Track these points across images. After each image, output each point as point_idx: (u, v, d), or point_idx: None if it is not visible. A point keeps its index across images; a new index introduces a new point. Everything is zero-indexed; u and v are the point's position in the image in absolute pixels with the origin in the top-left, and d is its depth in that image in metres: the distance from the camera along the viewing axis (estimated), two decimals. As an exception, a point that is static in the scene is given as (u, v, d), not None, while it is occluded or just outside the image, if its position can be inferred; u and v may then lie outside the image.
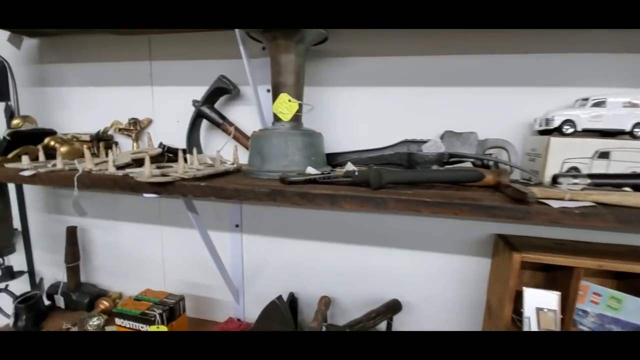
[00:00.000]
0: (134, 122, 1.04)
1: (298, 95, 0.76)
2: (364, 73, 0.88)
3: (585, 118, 0.68)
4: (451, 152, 0.72)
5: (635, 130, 0.66)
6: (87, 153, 0.75)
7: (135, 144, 1.04)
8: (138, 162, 0.81)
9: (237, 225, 1.02)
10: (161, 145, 0.94)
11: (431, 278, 0.93)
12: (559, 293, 0.74)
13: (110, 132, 1.07)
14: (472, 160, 0.73)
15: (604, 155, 0.66)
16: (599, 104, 0.68)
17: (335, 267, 0.99)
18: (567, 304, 0.72)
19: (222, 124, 0.92)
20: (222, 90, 0.90)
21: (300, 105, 0.76)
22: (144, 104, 1.05)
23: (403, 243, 0.92)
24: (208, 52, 0.96)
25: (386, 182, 0.59)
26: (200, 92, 0.94)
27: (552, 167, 0.69)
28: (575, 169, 0.68)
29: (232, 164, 0.80)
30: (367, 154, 0.85)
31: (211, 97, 0.91)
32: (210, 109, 0.92)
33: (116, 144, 1.07)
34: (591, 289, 0.74)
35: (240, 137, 0.92)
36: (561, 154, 0.68)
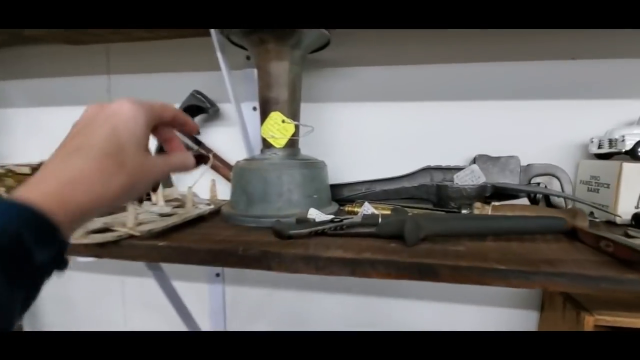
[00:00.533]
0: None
1: (293, 114, 0.59)
2: (372, 85, 0.72)
3: (663, 138, 0.53)
4: (496, 184, 0.56)
5: None
6: None
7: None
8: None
9: (217, 275, 0.82)
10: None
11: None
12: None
13: None
14: (523, 193, 0.57)
15: (690, 184, 0.52)
16: (676, 120, 0.53)
17: (352, 322, 0.80)
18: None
19: (197, 150, 0.73)
20: (196, 109, 0.72)
21: (297, 127, 0.58)
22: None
23: (427, 294, 0.75)
24: (178, 64, 0.79)
25: (426, 235, 0.42)
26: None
27: (626, 201, 0.53)
28: (654, 202, 0.53)
29: (208, 203, 0.61)
30: (380, 185, 0.68)
31: (182, 118, 0.72)
32: (182, 132, 0.73)
33: None
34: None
35: (220, 166, 0.73)
36: (636, 183, 0.53)
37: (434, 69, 0.69)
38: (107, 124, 0.27)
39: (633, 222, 0.50)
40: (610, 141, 0.57)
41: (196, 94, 0.70)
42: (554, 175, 0.61)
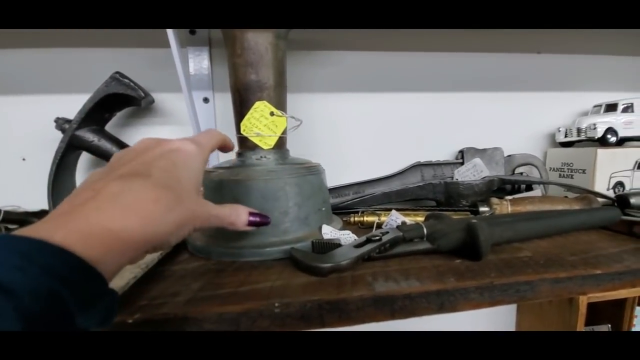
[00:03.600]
0: None
1: (280, 103, 0.45)
2: (355, 74, 0.62)
3: (621, 125, 0.59)
4: (504, 178, 0.54)
5: (663, 135, 0.61)
6: None
7: None
8: None
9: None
10: (-13, 211, 0.47)
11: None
12: (608, 325, 0.64)
13: None
14: (528, 184, 0.56)
15: (643, 165, 0.59)
16: (626, 109, 0.60)
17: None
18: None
19: (125, 159, 0.51)
20: (120, 100, 0.50)
21: (287, 121, 0.45)
22: None
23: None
24: (76, 36, 0.54)
25: (494, 244, 0.35)
26: (71, 104, 0.52)
27: (601, 184, 0.58)
28: (621, 183, 0.59)
29: (168, 235, 0.43)
30: (371, 187, 0.60)
31: (98, 113, 0.49)
32: (96, 133, 0.50)
33: None
34: (629, 313, 0.66)
35: (164, 179, 0.53)
36: (608, 168, 0.57)
37: (414, 57, 0.64)
38: (167, 158, 0.24)
39: (616, 204, 0.54)
40: (579, 130, 0.61)
41: (121, 77, 0.48)
42: (532, 164, 0.63)
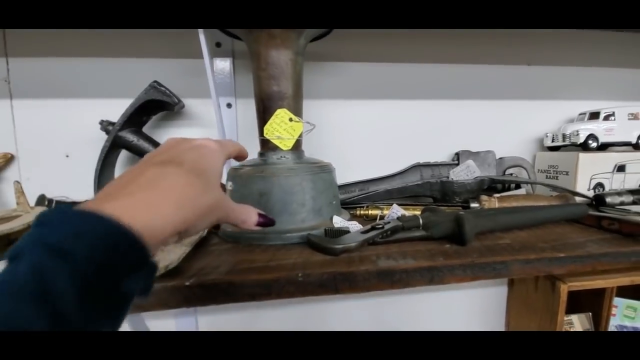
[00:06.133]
0: (-27, 161, 0.59)
1: (297, 110, 0.52)
2: (359, 83, 0.69)
3: (602, 132, 0.66)
4: (493, 177, 0.60)
5: (640, 141, 0.67)
6: None
7: (-22, 201, 0.59)
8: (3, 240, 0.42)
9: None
10: (44, 200, 0.54)
11: (445, 316, 0.80)
12: (589, 314, 0.70)
13: None
14: (517, 183, 0.63)
15: (621, 168, 0.65)
16: (608, 117, 0.67)
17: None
18: (600, 323, 0.69)
19: (160, 157, 0.59)
20: (157, 105, 0.57)
21: (302, 126, 0.52)
22: (-6, 130, 0.61)
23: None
24: (116, 47, 0.62)
25: (478, 233, 0.42)
26: (109, 108, 0.59)
27: (582, 185, 0.64)
28: (601, 185, 0.65)
29: (201, 222, 0.50)
30: (374, 185, 0.67)
31: (137, 116, 0.57)
32: (136, 134, 0.57)
33: None
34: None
35: (193, 175, 0.60)
36: (589, 170, 0.64)
37: (416, 68, 0.71)
38: (195, 151, 0.26)
39: (594, 202, 0.60)
40: (564, 135, 0.67)
41: (158, 85, 0.55)
42: (521, 166, 0.69)
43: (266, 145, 0.51)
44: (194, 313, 0.69)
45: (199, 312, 0.70)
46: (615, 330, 0.72)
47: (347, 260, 0.37)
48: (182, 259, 0.36)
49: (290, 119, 0.50)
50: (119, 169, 0.62)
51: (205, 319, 0.71)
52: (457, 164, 0.67)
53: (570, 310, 0.68)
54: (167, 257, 0.35)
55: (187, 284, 0.32)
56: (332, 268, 0.35)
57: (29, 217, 0.48)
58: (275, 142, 0.50)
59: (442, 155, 0.73)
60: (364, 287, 0.35)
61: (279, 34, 0.47)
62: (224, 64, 0.63)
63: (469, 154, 0.68)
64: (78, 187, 0.62)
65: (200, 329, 0.70)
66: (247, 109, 0.66)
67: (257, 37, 0.48)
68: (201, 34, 0.49)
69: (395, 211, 0.49)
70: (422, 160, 0.69)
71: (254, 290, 0.33)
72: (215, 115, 0.58)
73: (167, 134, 0.64)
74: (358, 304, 0.76)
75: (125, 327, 0.58)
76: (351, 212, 0.57)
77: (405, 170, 0.69)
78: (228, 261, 0.38)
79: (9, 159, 0.62)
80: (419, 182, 0.62)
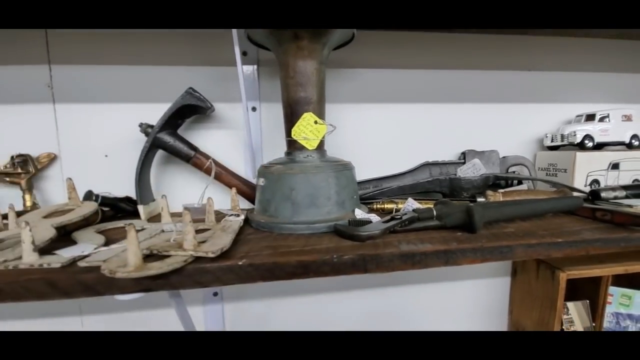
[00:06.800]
0: (22, 161, 0.64)
1: (321, 114, 0.57)
2: (373, 87, 0.75)
3: (597, 132, 0.71)
4: (497, 175, 0.66)
5: (633, 141, 0.72)
6: None
7: (27, 196, 0.64)
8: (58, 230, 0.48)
9: (215, 294, 0.74)
10: (92, 195, 0.60)
11: (452, 306, 0.85)
12: (587, 301, 0.76)
13: (-31, 180, 0.64)
14: (519, 180, 0.68)
15: (615, 166, 0.71)
16: (603, 119, 0.72)
17: (357, 315, 0.81)
18: (597, 311, 0.74)
19: (193, 156, 0.64)
20: (191, 110, 0.63)
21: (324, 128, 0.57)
22: (40, 132, 0.67)
23: (408, 279, 0.82)
24: (149, 55, 0.67)
25: (485, 222, 0.47)
26: (144, 111, 0.65)
27: (579, 181, 0.70)
28: (597, 181, 0.71)
29: (236, 214, 0.55)
30: (387, 182, 0.73)
31: (174, 119, 0.62)
32: (172, 136, 0.63)
33: (-17, 198, 0.65)
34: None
35: (223, 174, 0.66)
36: (586, 168, 0.69)
37: (424, 74, 0.76)
38: None
39: (590, 197, 0.66)
40: (562, 136, 0.73)
41: (193, 92, 0.61)
42: (523, 165, 0.75)
43: (293, 145, 0.57)
44: (220, 301, 0.75)
45: (225, 299, 0.75)
46: (610, 317, 0.77)
47: (372, 245, 0.42)
48: (231, 244, 0.41)
49: (316, 122, 0.56)
50: (154, 168, 0.67)
51: (231, 306, 0.76)
52: (464, 163, 0.73)
53: (569, 298, 0.74)
54: (220, 242, 0.40)
55: (240, 263, 0.38)
56: (361, 251, 0.40)
57: (82, 210, 0.54)
58: (302, 142, 0.56)
59: (449, 154, 0.79)
60: (388, 267, 0.40)
61: (306, 45, 0.53)
62: (249, 71, 0.69)
63: (474, 153, 0.74)
64: (116, 184, 0.67)
65: (226, 315, 0.76)
66: (270, 112, 0.71)
67: (286, 49, 0.53)
68: (236, 44, 0.55)
69: (411, 204, 0.55)
70: (430, 159, 0.75)
71: (295, 270, 0.39)
72: (243, 117, 0.63)
73: (198, 135, 0.70)
74: (371, 294, 0.82)
75: (171, 311, 0.63)
76: (367, 206, 0.62)
77: (416, 169, 0.74)
78: (268, 246, 0.43)
79: (52, 159, 0.67)
80: (429, 179, 0.67)
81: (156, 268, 0.35)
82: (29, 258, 0.38)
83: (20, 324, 0.72)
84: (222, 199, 0.70)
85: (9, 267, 0.38)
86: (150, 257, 0.38)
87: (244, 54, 0.68)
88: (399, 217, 0.49)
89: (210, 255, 0.37)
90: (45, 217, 0.52)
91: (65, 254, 0.40)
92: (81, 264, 0.38)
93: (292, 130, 0.56)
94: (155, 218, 0.64)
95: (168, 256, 0.38)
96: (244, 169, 0.72)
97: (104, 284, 0.36)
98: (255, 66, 0.69)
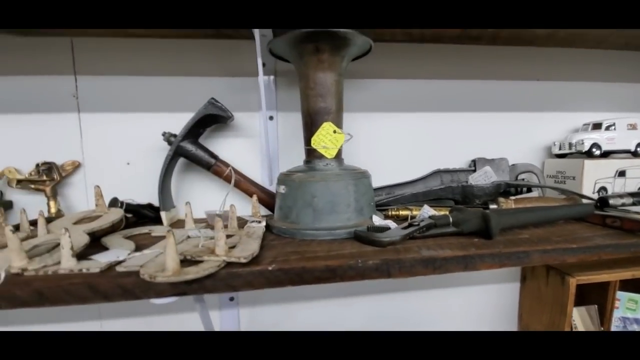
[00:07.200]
0: (48, 168, 0.67)
1: (339, 123, 0.59)
2: (386, 97, 0.77)
3: (604, 141, 0.73)
4: (508, 182, 0.68)
5: (638, 149, 0.74)
6: (9, 234, 0.40)
7: (52, 203, 0.66)
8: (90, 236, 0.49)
9: (231, 299, 0.76)
10: (117, 202, 0.62)
11: (462, 311, 0.87)
12: (595, 306, 0.77)
13: (-4, 187, 0.66)
14: (529, 187, 0.70)
15: (622, 173, 0.73)
16: (609, 127, 0.74)
17: (366, 321, 0.83)
18: (605, 315, 0.76)
19: (213, 164, 0.66)
20: (212, 119, 0.65)
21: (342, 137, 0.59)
22: (65, 140, 0.69)
23: (420, 284, 0.84)
24: (173, 66, 0.70)
25: (501, 229, 0.49)
26: (166, 120, 0.67)
27: (587, 188, 0.71)
28: (604, 188, 0.72)
29: (258, 221, 0.57)
30: (400, 189, 0.74)
31: (196, 128, 0.65)
32: (194, 144, 0.65)
33: (9, 204, 0.67)
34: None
35: (242, 181, 0.68)
36: (594, 176, 0.71)
37: (434, 84, 0.78)
38: None
39: (598, 204, 0.67)
40: (570, 144, 0.75)
41: (215, 102, 0.63)
42: (532, 172, 0.77)
43: (312, 154, 0.59)
44: (236, 305, 0.76)
45: (241, 304, 0.77)
46: (617, 321, 0.79)
47: (394, 251, 0.44)
48: (259, 248, 0.43)
49: (334, 131, 0.58)
50: (175, 175, 0.69)
51: (246, 310, 0.78)
52: (474, 170, 0.75)
53: (578, 303, 0.75)
54: (250, 247, 0.42)
55: (270, 268, 0.40)
56: (384, 256, 0.42)
57: (110, 217, 0.56)
58: (321, 151, 0.58)
59: (459, 161, 0.81)
60: (410, 272, 0.42)
61: (326, 58, 0.55)
62: (267, 81, 0.71)
63: (484, 161, 0.76)
64: (137, 191, 0.69)
65: (242, 319, 0.77)
66: (287, 121, 0.74)
67: (307, 62, 0.56)
68: (259, 56, 0.57)
69: (427, 211, 0.57)
70: (441, 167, 0.77)
71: (323, 274, 0.41)
72: (262, 126, 0.65)
73: (217, 143, 0.72)
74: (381, 299, 0.83)
75: (189, 315, 0.64)
76: (382, 212, 0.64)
77: (427, 176, 0.76)
78: (294, 251, 0.45)
79: (77, 166, 0.69)
80: (442, 187, 0.69)
81: (193, 273, 0.36)
82: (68, 263, 0.40)
83: (40, 328, 0.73)
84: (240, 205, 0.72)
85: (49, 272, 0.40)
86: (183, 262, 0.40)
87: (263, 65, 0.70)
88: (416, 223, 0.50)
89: (242, 260, 0.39)
90: (75, 223, 0.54)
91: (101, 259, 0.42)
92: (119, 268, 0.40)
93: (312, 139, 0.58)
94: (175, 224, 0.66)
95: (201, 261, 0.40)
96: (261, 176, 0.74)
97: (142, 287, 0.38)
98: (273, 77, 0.72)
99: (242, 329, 0.78)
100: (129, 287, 0.38)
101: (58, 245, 0.44)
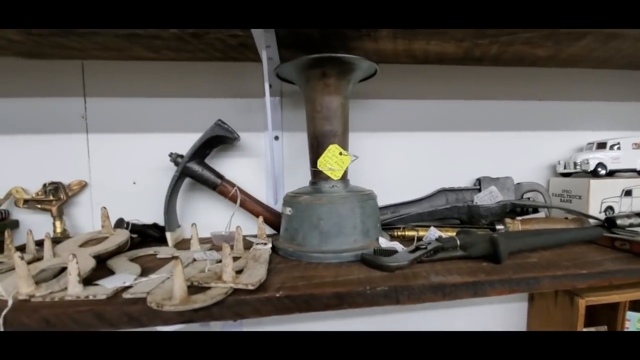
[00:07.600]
0: (54, 188, 0.67)
1: (345, 145, 0.60)
2: (390, 117, 0.78)
3: (609, 160, 0.73)
4: (514, 202, 0.68)
5: (644, 168, 0.74)
6: (18, 260, 0.40)
7: (57, 222, 0.66)
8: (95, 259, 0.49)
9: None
10: (123, 223, 0.62)
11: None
12: (604, 327, 0.76)
13: (3, 207, 0.67)
14: (535, 207, 0.70)
15: (628, 193, 0.72)
16: (613, 147, 0.74)
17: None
18: (616, 339, 0.74)
19: (219, 184, 0.66)
20: (219, 140, 0.66)
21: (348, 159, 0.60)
22: (73, 160, 0.70)
23: (428, 304, 0.83)
24: (180, 89, 0.71)
25: (510, 253, 0.49)
26: (168, 141, 0.68)
27: (594, 208, 0.71)
28: (611, 207, 0.72)
29: (264, 242, 0.57)
30: (405, 208, 0.74)
31: (202, 149, 0.65)
32: (200, 165, 0.65)
33: (15, 224, 0.67)
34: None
35: (247, 201, 0.68)
36: (600, 195, 0.71)
37: (441, 104, 0.79)
38: None
39: (606, 224, 0.67)
40: (575, 163, 0.75)
41: (222, 124, 0.64)
42: (537, 191, 0.76)
43: (318, 176, 0.59)
44: (239, 326, 0.75)
45: (244, 324, 0.76)
46: (631, 343, 0.77)
47: (402, 276, 0.44)
48: (266, 274, 0.43)
49: (340, 153, 0.58)
50: (180, 194, 0.70)
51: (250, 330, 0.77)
52: (479, 189, 0.75)
53: (587, 323, 0.74)
54: (257, 273, 0.42)
55: (277, 295, 0.39)
56: (392, 282, 0.42)
57: (116, 239, 0.56)
58: (328, 173, 0.58)
59: (464, 180, 0.81)
60: (420, 298, 0.41)
61: (332, 83, 0.56)
62: (273, 102, 0.72)
63: (489, 180, 0.76)
64: (142, 210, 0.69)
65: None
66: (292, 141, 0.74)
67: (314, 85, 0.56)
68: (266, 81, 0.58)
69: (434, 233, 0.57)
70: (446, 185, 0.77)
71: (330, 301, 0.40)
72: (267, 146, 0.66)
73: (223, 163, 0.72)
74: (385, 319, 0.82)
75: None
76: (388, 233, 0.64)
77: (432, 195, 0.76)
78: (301, 277, 0.45)
79: (83, 186, 0.70)
80: (447, 206, 0.69)
81: (200, 301, 0.36)
82: (75, 289, 0.40)
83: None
84: (245, 225, 0.71)
85: (55, 299, 0.40)
86: (190, 287, 0.40)
87: (269, 86, 0.71)
88: (424, 247, 0.50)
89: (250, 287, 0.39)
90: (81, 245, 0.54)
91: (107, 284, 0.42)
92: (125, 295, 0.39)
93: (318, 161, 0.58)
94: (180, 243, 0.66)
95: (208, 288, 0.40)
96: (266, 196, 0.74)
97: (149, 315, 0.38)
98: (279, 98, 0.73)
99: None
100: (136, 315, 0.38)
101: (65, 269, 0.44)
